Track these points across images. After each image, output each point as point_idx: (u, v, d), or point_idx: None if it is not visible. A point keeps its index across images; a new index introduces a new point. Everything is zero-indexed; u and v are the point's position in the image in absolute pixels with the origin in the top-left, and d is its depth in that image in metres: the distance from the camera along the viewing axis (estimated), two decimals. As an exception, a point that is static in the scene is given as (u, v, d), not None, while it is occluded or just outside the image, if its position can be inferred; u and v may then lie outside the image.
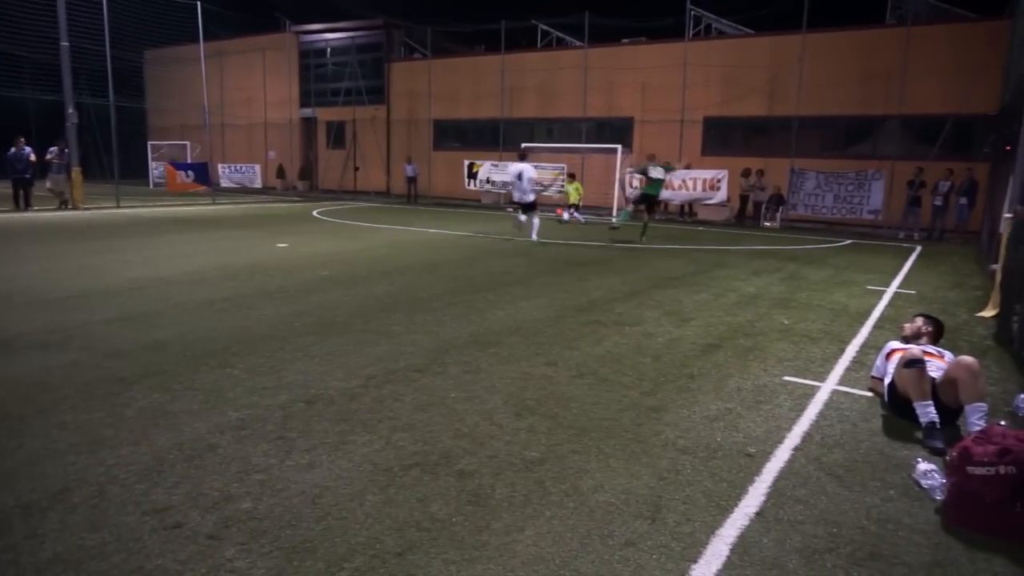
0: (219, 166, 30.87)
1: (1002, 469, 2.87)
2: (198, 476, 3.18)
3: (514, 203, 14.74)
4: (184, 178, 25.30)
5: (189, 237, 12.97)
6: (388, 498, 3.03)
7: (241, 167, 31.26)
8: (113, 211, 18.24)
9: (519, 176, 13.78)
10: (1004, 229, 7.66)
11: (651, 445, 3.71)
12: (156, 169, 31.38)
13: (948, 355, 4.60)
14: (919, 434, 3.93)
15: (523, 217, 13.98)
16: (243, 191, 29.47)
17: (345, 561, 2.54)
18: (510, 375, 4.85)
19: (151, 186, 30.78)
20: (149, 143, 32.84)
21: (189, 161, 29.61)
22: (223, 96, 32.03)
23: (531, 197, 13.82)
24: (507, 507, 2.98)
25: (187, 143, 31.54)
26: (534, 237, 13.76)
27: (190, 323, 6.17)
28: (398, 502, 3.00)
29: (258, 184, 30.64)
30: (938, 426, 3.87)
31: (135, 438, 3.58)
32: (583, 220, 18.64)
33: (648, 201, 14.28)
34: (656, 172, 14.01)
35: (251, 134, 33.23)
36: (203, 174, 25.53)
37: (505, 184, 23.66)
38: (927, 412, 3.92)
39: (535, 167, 21.61)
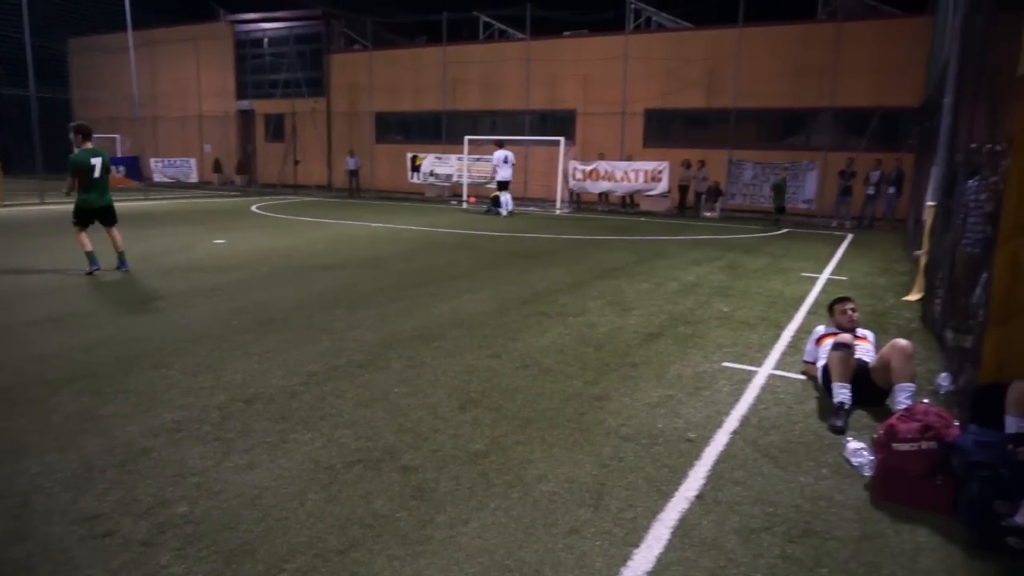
0: (151, 160, 29.76)
1: (924, 445, 3.00)
2: (130, 482, 3.07)
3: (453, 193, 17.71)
4: (114, 173, 24.30)
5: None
6: (330, 496, 2.98)
7: (175, 161, 30.17)
8: (37, 208, 17.39)
9: (505, 160, 17.79)
10: (927, 217, 8.02)
11: (594, 434, 3.75)
12: (84, 164, 29.99)
13: (870, 335, 4.81)
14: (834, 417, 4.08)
15: (505, 195, 17.84)
16: (178, 186, 28.49)
17: (286, 562, 2.49)
18: (454, 368, 4.84)
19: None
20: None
21: (119, 155, 28.45)
22: (155, 87, 30.90)
23: (509, 176, 18.04)
24: (451, 500, 2.98)
25: (117, 136, 30.24)
26: (504, 212, 17.73)
27: (121, 323, 5.94)
28: (340, 500, 2.95)
29: (194, 179, 29.64)
30: (846, 407, 4.07)
31: (62, 444, 3.43)
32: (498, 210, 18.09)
33: (779, 207, 18.10)
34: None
35: (185, 127, 32.12)
36: (134, 168, 24.64)
37: (448, 176, 23.72)
38: (841, 393, 4.13)
39: (479, 159, 21.92)
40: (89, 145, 8.30)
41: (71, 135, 8.27)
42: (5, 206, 17.28)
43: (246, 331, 5.71)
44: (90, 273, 8.18)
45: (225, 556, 2.52)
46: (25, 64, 18.55)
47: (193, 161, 29.96)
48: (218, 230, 13.30)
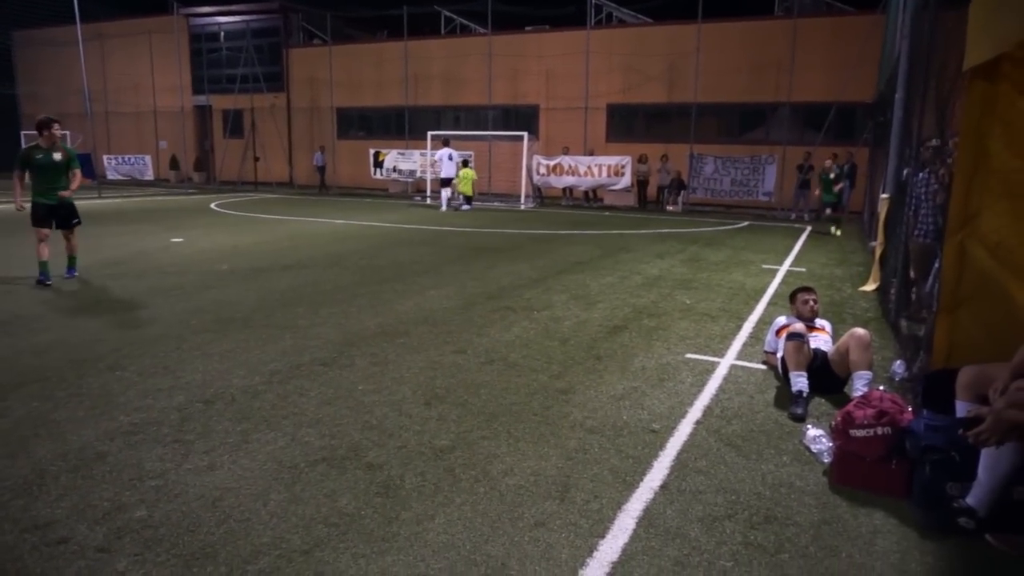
0: (104, 157, 28.98)
1: (879, 430, 3.08)
2: (85, 487, 2.98)
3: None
4: (65, 170, 23.59)
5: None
6: (294, 496, 2.94)
7: (130, 158, 29.41)
8: (-16, 207, 16.80)
9: (449, 157, 18.54)
10: (882, 209, 8.22)
11: (560, 427, 3.77)
12: (32, 161, 29.02)
13: (828, 326, 4.92)
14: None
15: (447, 192, 18.79)
16: (133, 184, 27.80)
17: (248, 564, 2.45)
18: (419, 365, 4.81)
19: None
20: (22, 132, 30.31)
21: (70, 152, 27.57)
22: (106, 82, 30.03)
23: (453, 174, 18.79)
24: (417, 497, 2.96)
25: (67, 133, 29.29)
26: (445, 207, 18.51)
27: (74, 325, 5.77)
28: (304, 499, 2.91)
29: (149, 176, 28.93)
30: (804, 395, 4.16)
31: (12, 451, 3.32)
32: (468, 208, 18.89)
33: (832, 204, 15.80)
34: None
35: (140, 123, 31.30)
36: (86, 166, 23.88)
37: (412, 172, 23.59)
38: (798, 381, 4.22)
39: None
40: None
41: (53, 130, 7.86)
42: (-51, 205, 16.63)
43: (206, 330, 5.59)
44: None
45: (185, 560, 2.47)
46: (-33, 58, 17.88)
47: (148, 158, 29.24)
48: (176, 228, 13.01)
